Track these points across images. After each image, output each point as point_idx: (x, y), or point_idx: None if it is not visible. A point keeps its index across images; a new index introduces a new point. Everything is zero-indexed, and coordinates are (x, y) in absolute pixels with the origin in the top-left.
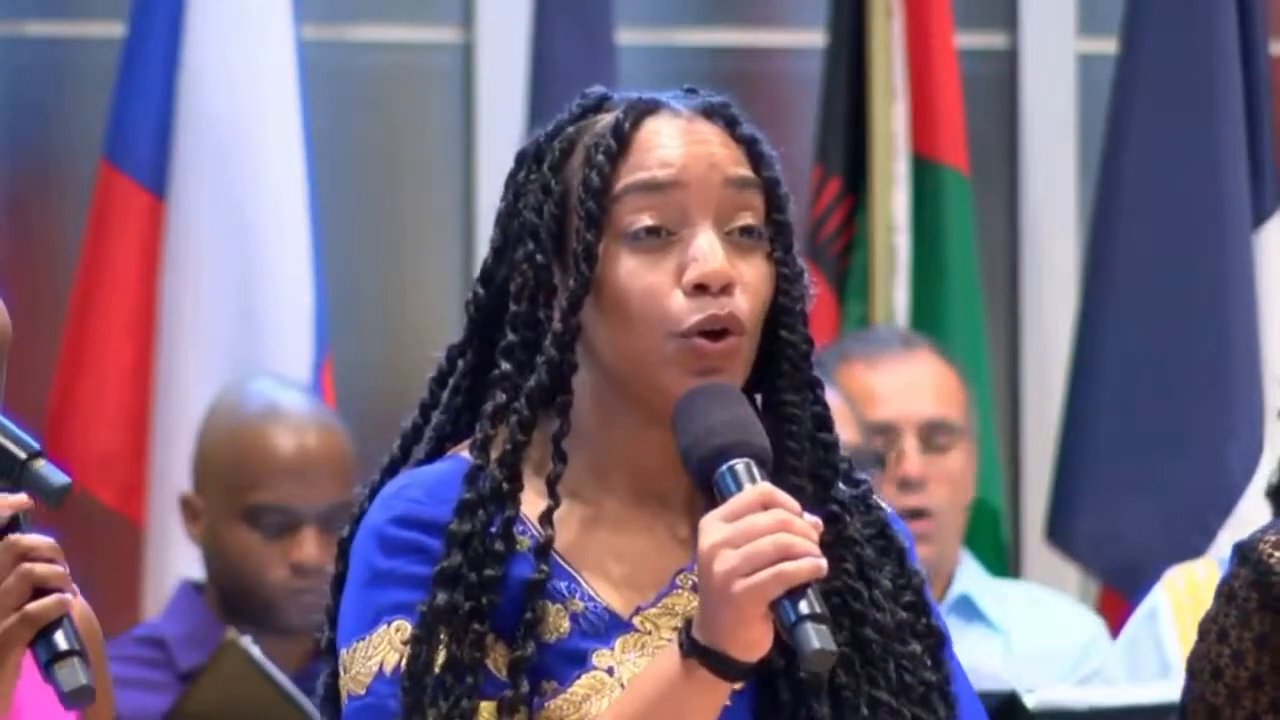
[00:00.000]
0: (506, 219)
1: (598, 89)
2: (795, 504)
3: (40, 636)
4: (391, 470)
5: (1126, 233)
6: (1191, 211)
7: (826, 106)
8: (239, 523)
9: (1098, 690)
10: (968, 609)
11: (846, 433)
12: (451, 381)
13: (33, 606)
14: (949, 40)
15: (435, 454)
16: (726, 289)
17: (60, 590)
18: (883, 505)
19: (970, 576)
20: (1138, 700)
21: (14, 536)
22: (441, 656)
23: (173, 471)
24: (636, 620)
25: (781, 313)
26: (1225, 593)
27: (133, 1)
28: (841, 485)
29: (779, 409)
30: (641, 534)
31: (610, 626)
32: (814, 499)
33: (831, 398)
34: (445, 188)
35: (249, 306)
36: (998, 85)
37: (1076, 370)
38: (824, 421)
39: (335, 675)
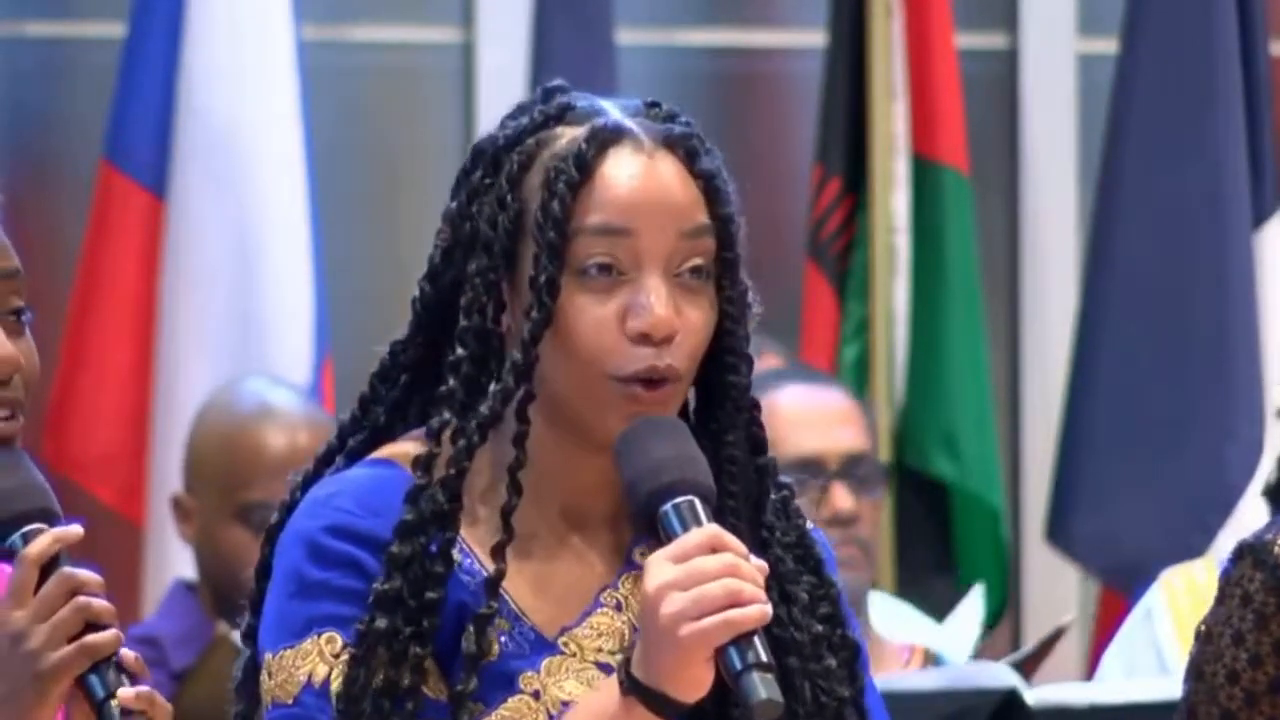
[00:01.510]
0: (458, 220)
1: (559, 92)
2: (742, 547)
3: (91, 671)
4: (328, 459)
5: (1126, 233)
6: (1191, 211)
7: (826, 106)
8: (231, 521)
9: (1098, 688)
10: None
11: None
12: (391, 376)
13: (92, 638)
14: (949, 40)
15: (369, 445)
16: (669, 338)
17: (112, 626)
18: (803, 514)
19: None
20: (1138, 699)
21: (68, 570)
22: (379, 679)
23: (173, 471)
24: (561, 641)
25: (726, 351)
26: (1239, 596)
27: (133, 1)
28: (771, 496)
29: (718, 444)
30: (567, 552)
31: (536, 647)
32: (747, 521)
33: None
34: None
35: (249, 306)
36: (998, 85)
37: (1076, 370)
38: (759, 444)
39: (252, 659)
